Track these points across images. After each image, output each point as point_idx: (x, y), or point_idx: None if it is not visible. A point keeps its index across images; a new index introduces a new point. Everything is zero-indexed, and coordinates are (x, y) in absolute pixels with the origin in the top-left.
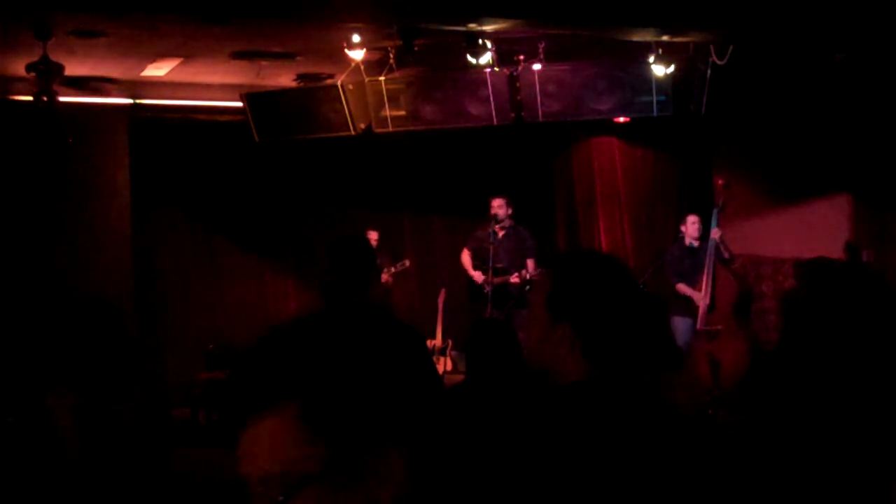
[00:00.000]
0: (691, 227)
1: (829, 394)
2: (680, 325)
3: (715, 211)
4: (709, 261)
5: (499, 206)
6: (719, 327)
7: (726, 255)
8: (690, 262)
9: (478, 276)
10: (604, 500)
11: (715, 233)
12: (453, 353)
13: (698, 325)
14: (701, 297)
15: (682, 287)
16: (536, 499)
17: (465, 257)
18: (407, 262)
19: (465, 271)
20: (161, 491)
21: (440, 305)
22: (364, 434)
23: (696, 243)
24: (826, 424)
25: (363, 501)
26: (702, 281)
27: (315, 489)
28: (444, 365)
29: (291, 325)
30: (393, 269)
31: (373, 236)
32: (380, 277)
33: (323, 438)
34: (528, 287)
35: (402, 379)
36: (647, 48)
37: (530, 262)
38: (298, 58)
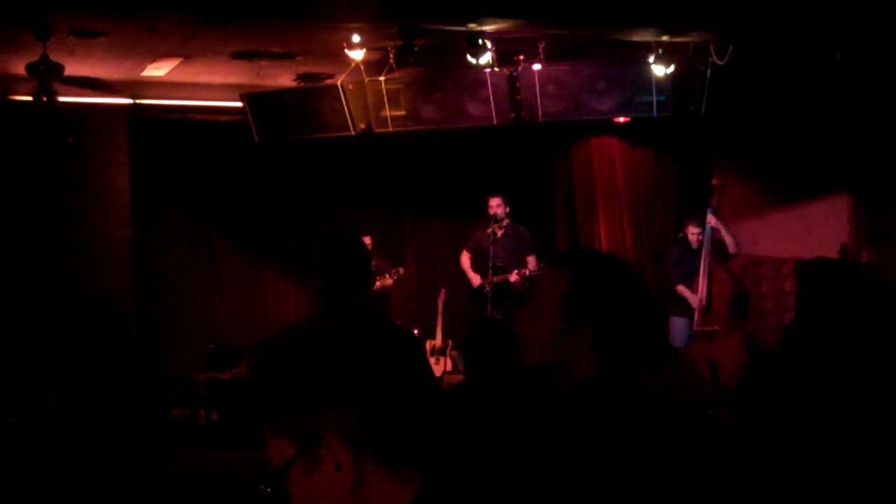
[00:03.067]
0: (691, 237)
1: (828, 394)
2: (678, 325)
3: (709, 211)
4: (704, 259)
5: (497, 205)
6: (717, 328)
7: (729, 244)
8: (691, 264)
9: (475, 279)
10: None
11: (710, 219)
12: (453, 353)
13: (695, 326)
14: (696, 300)
15: (681, 289)
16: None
17: (465, 259)
18: (401, 270)
19: (464, 273)
20: (160, 491)
21: (440, 305)
22: (313, 430)
23: (695, 244)
24: (826, 424)
25: (327, 486)
26: (698, 281)
27: (290, 475)
28: (444, 365)
29: (295, 333)
30: (387, 277)
31: (366, 241)
32: (374, 279)
33: (284, 435)
34: (527, 284)
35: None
36: (647, 48)
37: (531, 259)
38: (298, 58)
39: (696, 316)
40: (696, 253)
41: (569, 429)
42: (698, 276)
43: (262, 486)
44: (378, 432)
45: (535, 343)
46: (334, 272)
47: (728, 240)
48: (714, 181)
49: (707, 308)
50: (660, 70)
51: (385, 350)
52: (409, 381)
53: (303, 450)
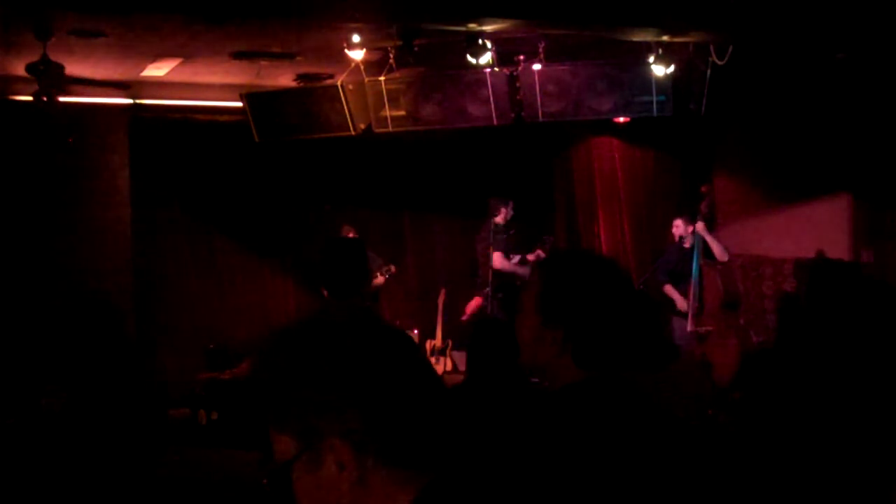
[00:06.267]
0: (674, 230)
1: (828, 393)
2: (678, 325)
3: (699, 218)
4: (696, 261)
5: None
6: (710, 328)
7: (717, 251)
8: (685, 266)
9: (524, 271)
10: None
11: (699, 226)
12: (453, 352)
13: (688, 327)
14: (683, 301)
15: (668, 290)
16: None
17: (501, 258)
18: (393, 268)
19: (507, 271)
20: (159, 491)
21: (440, 305)
22: (316, 428)
23: (686, 244)
24: (825, 424)
25: (329, 483)
26: (690, 282)
27: (293, 470)
28: (444, 365)
29: (299, 330)
30: (379, 275)
31: (349, 233)
32: (371, 279)
33: (288, 431)
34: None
35: (368, 379)
36: (647, 48)
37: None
38: (298, 58)
39: (689, 316)
40: (689, 255)
41: (565, 430)
42: (690, 277)
43: (265, 481)
44: (382, 433)
45: (527, 350)
46: (332, 272)
47: (715, 248)
48: (702, 188)
49: (700, 309)
50: (660, 70)
51: (389, 351)
52: (414, 381)
53: (305, 448)
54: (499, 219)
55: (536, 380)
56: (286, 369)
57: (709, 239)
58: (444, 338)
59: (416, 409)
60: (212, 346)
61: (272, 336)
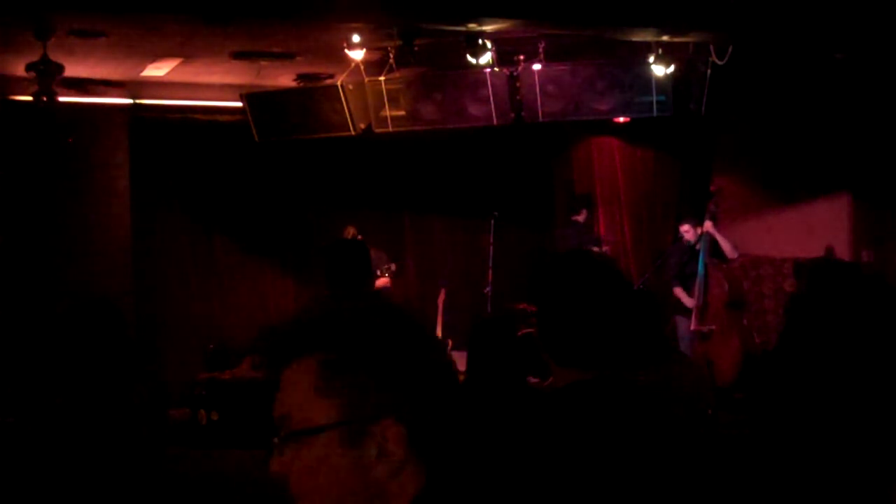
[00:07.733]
0: (685, 235)
1: (829, 393)
2: (682, 324)
3: (707, 216)
4: (703, 260)
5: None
6: (713, 327)
7: (727, 249)
8: (691, 266)
9: None
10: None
11: (708, 225)
12: (453, 352)
13: (692, 326)
14: (691, 300)
15: (677, 291)
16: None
17: None
18: (393, 266)
19: None
20: (160, 491)
21: (440, 305)
22: (370, 403)
23: (697, 245)
24: (826, 424)
25: (357, 466)
26: (695, 282)
27: (316, 440)
28: None
29: (315, 307)
30: (377, 273)
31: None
32: (374, 280)
33: (335, 396)
34: None
35: (415, 363)
36: (647, 48)
37: None
38: (298, 58)
39: (693, 315)
40: (696, 254)
41: (564, 429)
42: (696, 277)
43: (276, 440)
44: (428, 427)
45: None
46: (334, 273)
47: (725, 246)
48: (712, 187)
49: (704, 308)
50: (660, 70)
51: (434, 341)
52: (452, 377)
53: (349, 421)
54: (580, 218)
55: (536, 380)
56: (346, 338)
57: (718, 237)
58: (444, 338)
59: (452, 407)
60: (212, 346)
61: (304, 310)
